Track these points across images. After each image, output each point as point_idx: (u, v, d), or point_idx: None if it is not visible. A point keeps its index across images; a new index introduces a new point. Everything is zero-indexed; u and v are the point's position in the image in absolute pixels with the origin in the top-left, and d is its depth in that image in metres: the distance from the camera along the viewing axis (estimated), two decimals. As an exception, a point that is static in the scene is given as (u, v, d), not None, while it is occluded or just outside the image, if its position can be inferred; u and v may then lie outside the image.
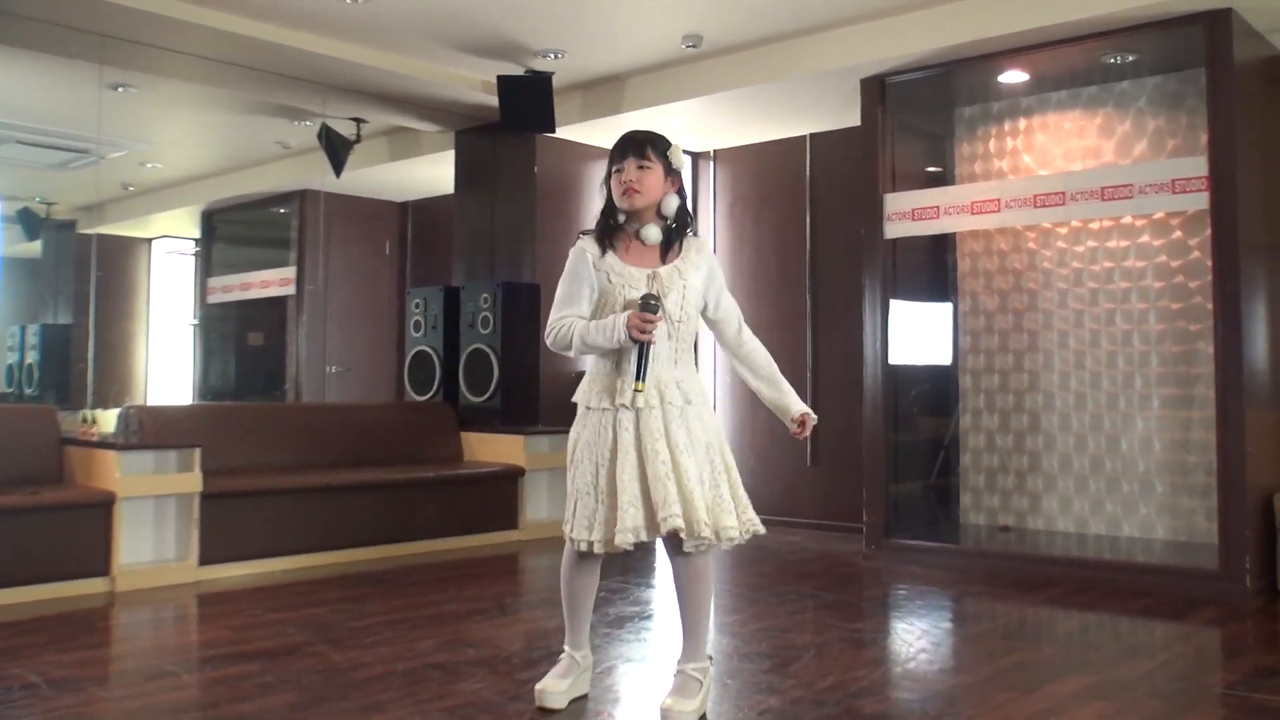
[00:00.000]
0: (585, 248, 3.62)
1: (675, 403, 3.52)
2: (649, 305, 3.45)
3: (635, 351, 3.47)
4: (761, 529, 3.58)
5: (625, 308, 3.52)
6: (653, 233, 3.60)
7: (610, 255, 3.60)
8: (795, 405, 3.71)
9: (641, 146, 3.58)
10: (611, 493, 3.49)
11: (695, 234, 3.73)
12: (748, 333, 3.81)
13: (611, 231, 3.63)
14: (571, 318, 3.60)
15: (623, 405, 3.50)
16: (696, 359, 3.75)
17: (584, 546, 3.53)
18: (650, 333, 3.45)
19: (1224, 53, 5.73)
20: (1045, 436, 7.12)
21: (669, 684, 3.66)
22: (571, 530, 3.57)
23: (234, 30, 6.53)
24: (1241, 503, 5.64)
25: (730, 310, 3.76)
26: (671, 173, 3.62)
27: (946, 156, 7.61)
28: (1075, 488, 7.00)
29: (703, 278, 3.63)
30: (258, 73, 7.36)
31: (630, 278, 3.55)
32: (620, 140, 3.65)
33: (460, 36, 6.93)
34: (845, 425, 7.87)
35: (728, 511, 3.49)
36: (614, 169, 3.60)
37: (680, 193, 3.66)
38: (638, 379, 3.45)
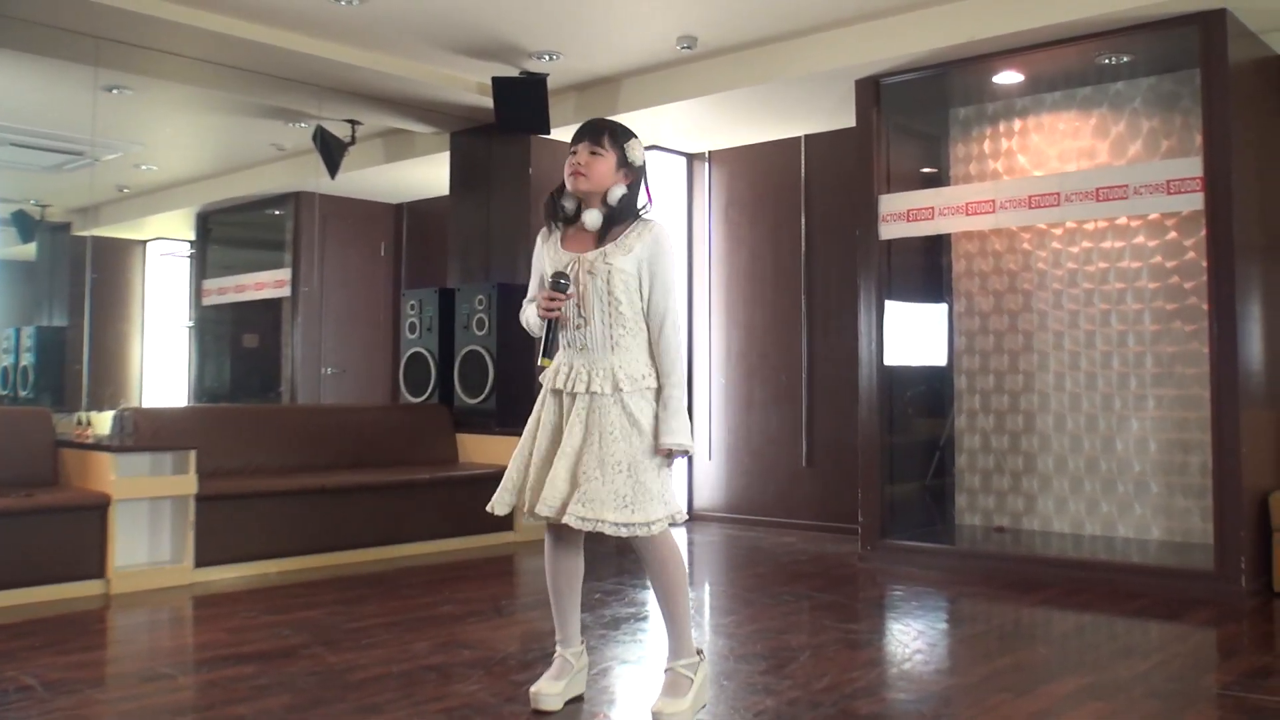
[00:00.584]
0: (541, 234, 3.77)
1: (601, 391, 3.52)
2: (557, 284, 3.55)
3: (543, 329, 3.59)
4: (647, 531, 3.46)
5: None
6: (591, 217, 3.62)
7: (553, 239, 3.71)
8: (664, 436, 3.52)
9: (599, 134, 3.64)
10: (535, 466, 3.58)
11: (647, 217, 3.68)
12: (668, 335, 3.59)
13: (557, 214, 3.74)
14: (528, 302, 3.82)
15: (556, 389, 3.60)
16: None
17: (500, 510, 3.65)
18: (557, 310, 3.54)
19: (1219, 53, 5.74)
20: (1040, 437, 7.13)
21: (658, 685, 3.66)
22: (498, 493, 3.68)
23: (228, 32, 6.53)
24: (1237, 503, 5.64)
25: (657, 305, 3.58)
26: (625, 164, 3.64)
27: (941, 157, 7.62)
28: (1070, 488, 7.00)
29: (633, 262, 3.56)
30: (252, 75, 7.36)
31: (559, 262, 3.63)
32: (582, 125, 3.70)
33: (455, 38, 6.93)
34: (840, 426, 7.89)
35: (618, 505, 3.45)
36: (570, 150, 3.66)
37: (632, 186, 3.67)
38: (543, 355, 3.55)
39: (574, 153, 3.63)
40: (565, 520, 3.46)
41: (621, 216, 3.64)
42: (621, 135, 3.66)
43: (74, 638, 4.80)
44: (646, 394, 3.57)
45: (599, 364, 3.55)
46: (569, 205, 3.72)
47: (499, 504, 3.67)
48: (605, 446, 3.48)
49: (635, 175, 3.68)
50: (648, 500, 3.48)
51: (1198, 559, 6.07)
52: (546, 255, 3.70)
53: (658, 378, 3.59)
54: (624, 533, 3.46)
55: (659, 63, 7.44)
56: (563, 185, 3.71)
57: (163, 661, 4.45)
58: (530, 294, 3.82)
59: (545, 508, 3.48)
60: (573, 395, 3.57)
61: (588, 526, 3.45)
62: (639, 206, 3.69)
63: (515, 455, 3.69)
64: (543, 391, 3.69)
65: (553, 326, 3.58)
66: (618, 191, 3.63)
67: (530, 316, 3.77)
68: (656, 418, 3.56)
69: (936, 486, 7.57)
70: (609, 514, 3.43)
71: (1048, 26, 6.01)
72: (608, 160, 3.61)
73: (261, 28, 6.67)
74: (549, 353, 3.57)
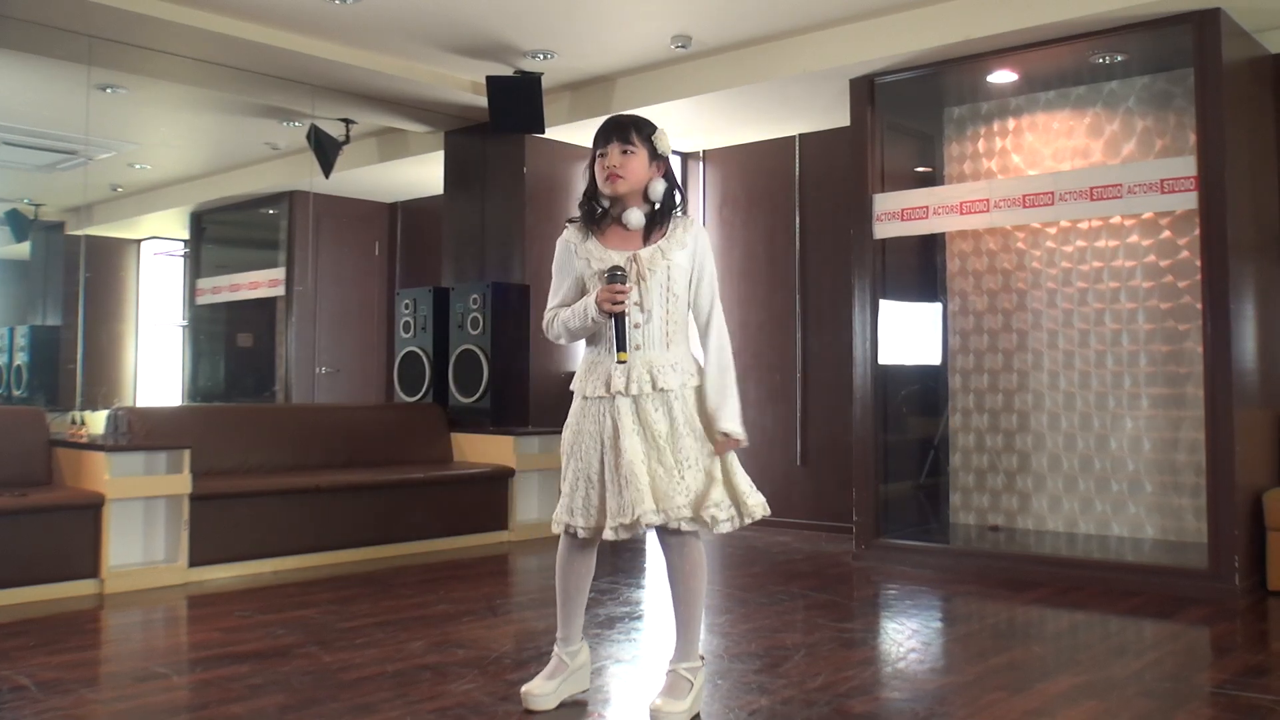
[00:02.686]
0: (568, 237, 3.65)
1: (669, 387, 3.50)
2: (615, 276, 3.46)
3: (611, 326, 3.48)
4: (764, 510, 3.54)
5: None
6: (635, 216, 3.58)
7: (591, 240, 3.61)
8: (722, 422, 3.54)
9: (626, 131, 3.57)
10: (607, 480, 3.49)
11: (685, 214, 3.67)
12: (716, 327, 3.63)
13: (596, 216, 3.63)
14: (558, 308, 3.65)
15: (619, 393, 3.50)
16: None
17: (582, 533, 3.56)
18: (621, 303, 3.45)
19: (1212, 52, 5.74)
20: (1034, 436, 7.14)
21: (660, 684, 3.66)
22: (568, 515, 3.58)
23: (222, 31, 6.52)
24: (1230, 502, 5.65)
25: (706, 297, 3.63)
26: (657, 158, 3.60)
27: (935, 156, 7.63)
28: (1065, 487, 7.01)
29: (689, 256, 3.57)
30: (246, 74, 7.35)
31: (609, 261, 3.53)
32: (604, 124, 3.63)
33: (449, 37, 6.93)
34: (835, 425, 7.90)
35: (703, 499, 3.47)
36: (598, 153, 3.59)
37: (668, 176, 3.63)
38: (619, 349, 3.45)
39: (604, 154, 3.56)
40: (670, 524, 3.44)
41: (666, 212, 3.61)
42: (648, 128, 3.60)
43: (68, 637, 4.79)
44: (696, 391, 3.57)
45: (657, 362, 3.52)
46: (610, 207, 3.62)
47: (576, 528, 3.57)
48: (682, 443, 3.49)
49: (666, 166, 3.64)
50: (739, 487, 3.53)
51: (1192, 558, 6.08)
52: (591, 257, 3.58)
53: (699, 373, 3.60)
54: (726, 528, 3.49)
55: (653, 62, 7.44)
56: (591, 187, 3.63)
57: (157, 661, 4.44)
58: (558, 300, 3.67)
59: (653, 515, 3.40)
60: (634, 397, 3.50)
61: (703, 522, 3.46)
62: (676, 202, 3.65)
63: (575, 473, 3.57)
64: (582, 401, 3.60)
65: (620, 321, 3.45)
66: (659, 186, 3.59)
67: (568, 321, 3.59)
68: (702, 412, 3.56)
69: (931, 485, 7.57)
70: (713, 509, 3.46)
71: (1042, 26, 6.01)
72: (640, 156, 3.56)
73: (255, 26, 6.67)
74: (624, 345, 3.45)
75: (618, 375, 3.50)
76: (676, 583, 3.64)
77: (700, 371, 3.59)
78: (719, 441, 3.55)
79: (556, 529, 3.64)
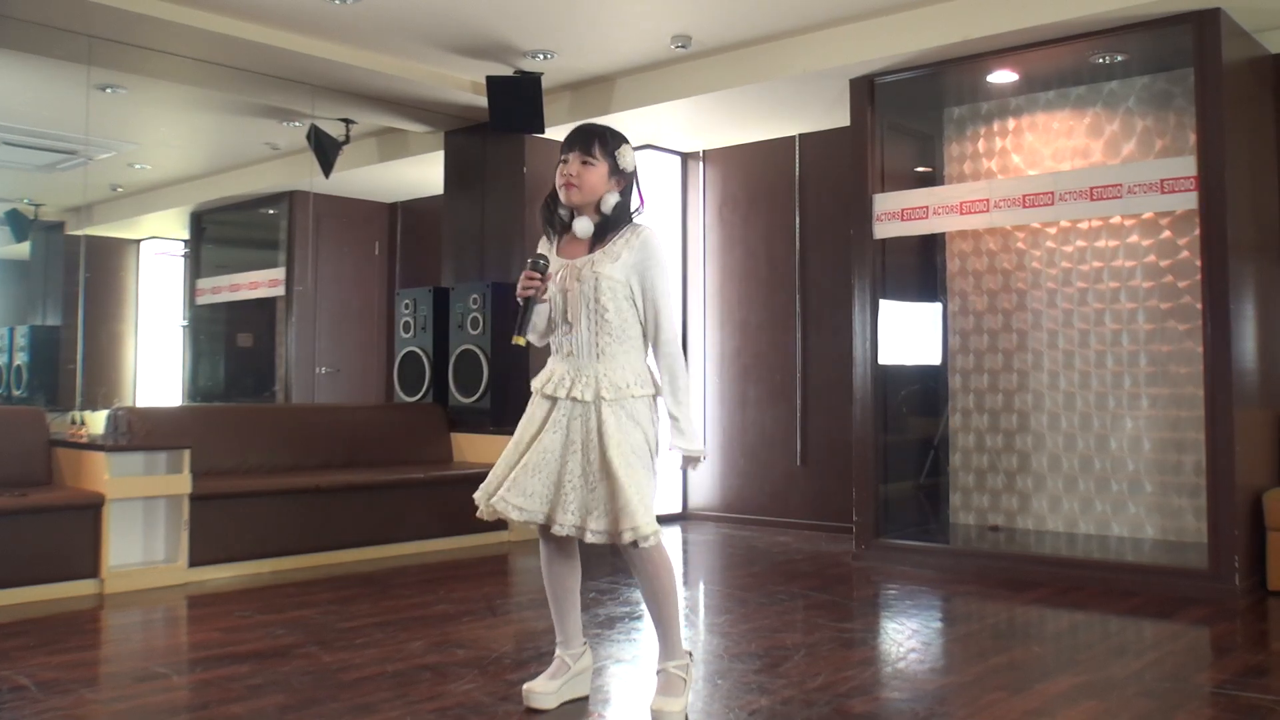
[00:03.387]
0: (543, 240, 3.73)
1: (582, 398, 3.50)
2: (535, 265, 3.52)
3: (520, 310, 3.54)
4: (634, 541, 3.38)
5: (553, 296, 3.60)
6: (582, 225, 3.61)
7: (553, 246, 3.69)
8: (676, 439, 3.55)
9: (589, 142, 3.58)
10: (515, 466, 3.57)
11: (637, 222, 3.65)
12: (664, 340, 3.58)
13: (554, 221, 3.70)
14: None
15: (544, 394, 3.58)
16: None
17: (481, 509, 3.63)
18: (532, 289, 3.50)
19: (1212, 52, 5.74)
20: (1034, 436, 7.14)
21: (654, 685, 3.66)
22: (479, 492, 3.66)
23: (222, 31, 6.52)
24: (1230, 502, 5.65)
25: (653, 313, 3.57)
26: (617, 172, 3.61)
27: (935, 156, 7.63)
28: (1064, 487, 7.01)
29: (622, 269, 3.54)
30: (246, 74, 7.35)
31: (553, 268, 3.61)
32: (571, 131, 3.65)
33: (449, 37, 6.93)
34: (835, 425, 7.90)
35: (599, 513, 3.45)
36: (560, 159, 3.62)
37: (625, 192, 3.64)
38: (517, 332, 3.54)
39: (565, 161, 3.59)
40: (554, 529, 3.48)
41: (615, 224, 3.62)
42: (612, 142, 3.61)
43: (68, 637, 4.79)
44: (635, 402, 3.52)
45: (585, 371, 3.54)
46: (564, 214, 3.67)
47: (477, 499, 3.67)
48: (588, 454, 3.48)
49: (627, 181, 3.65)
50: (633, 509, 3.38)
51: (1192, 558, 6.08)
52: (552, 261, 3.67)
53: (654, 385, 3.59)
54: (604, 539, 3.45)
55: (653, 62, 7.44)
56: (553, 193, 3.67)
57: (157, 661, 4.44)
58: None
59: (511, 509, 3.49)
60: (554, 400, 3.56)
61: (573, 534, 3.47)
62: (632, 211, 3.66)
63: (503, 456, 3.65)
64: (532, 396, 3.67)
65: (528, 305, 3.53)
66: (611, 200, 3.60)
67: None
68: (651, 424, 3.56)
69: (931, 485, 7.57)
70: (591, 522, 3.44)
71: (1042, 26, 6.01)
72: (599, 169, 3.57)
73: (255, 26, 6.66)
74: (521, 330, 3.55)
75: (543, 377, 3.61)
76: (641, 586, 3.63)
77: (640, 385, 3.55)
78: (686, 459, 3.59)
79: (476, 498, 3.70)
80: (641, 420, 3.53)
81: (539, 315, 3.62)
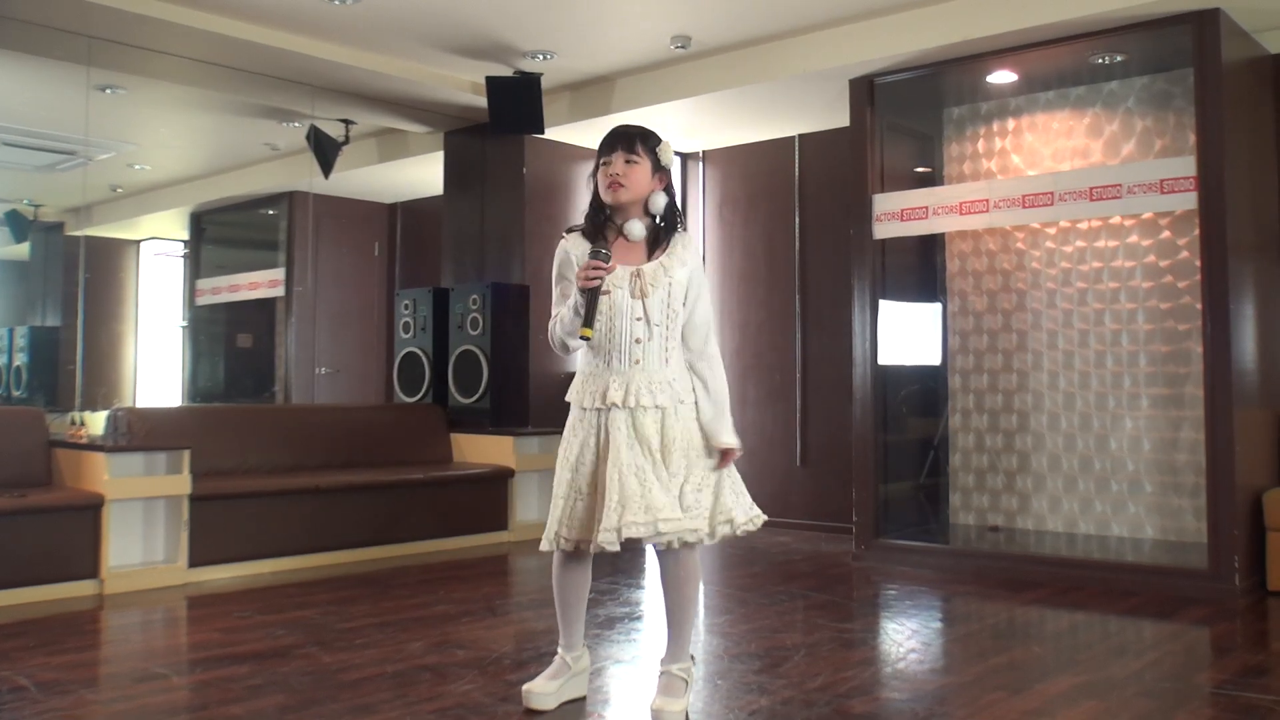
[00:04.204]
0: (569, 247, 3.60)
1: (664, 405, 3.50)
2: (597, 254, 3.45)
3: (583, 304, 3.45)
4: (753, 526, 3.63)
5: (607, 305, 3.51)
6: (636, 228, 3.57)
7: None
8: (724, 437, 3.60)
9: (631, 141, 3.56)
10: (593, 492, 3.50)
11: (684, 230, 3.69)
12: (714, 347, 3.68)
13: (599, 227, 3.61)
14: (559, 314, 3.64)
15: (614, 405, 3.48)
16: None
17: (565, 545, 3.55)
18: (596, 280, 3.43)
19: (1212, 53, 5.74)
20: (1034, 436, 7.13)
21: (654, 685, 3.66)
22: (557, 527, 3.56)
23: (222, 32, 6.52)
24: (1230, 502, 5.65)
25: (703, 317, 3.64)
26: (659, 169, 3.60)
27: (935, 157, 7.63)
28: (1064, 487, 7.01)
29: (688, 274, 3.58)
30: (246, 74, 7.35)
31: (615, 276, 3.51)
32: (609, 134, 3.62)
33: (449, 37, 6.93)
34: (835, 426, 7.90)
35: (698, 515, 3.50)
36: (601, 162, 3.59)
37: (668, 190, 3.63)
38: (585, 325, 3.45)
39: (607, 163, 3.56)
40: (656, 540, 3.47)
41: (671, 226, 3.62)
42: (652, 139, 3.60)
43: (67, 638, 4.79)
44: (694, 407, 3.59)
45: (655, 378, 3.51)
46: (612, 216, 3.61)
47: (562, 540, 3.55)
48: (671, 459, 3.49)
49: (667, 178, 3.64)
50: (726, 503, 3.59)
51: (1192, 558, 6.08)
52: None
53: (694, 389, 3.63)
54: (707, 540, 3.55)
55: (653, 62, 7.44)
56: (597, 198, 3.62)
57: (157, 662, 4.44)
58: (556, 311, 3.63)
59: (635, 528, 3.38)
60: (629, 410, 3.49)
61: (680, 539, 3.49)
62: (678, 216, 3.66)
63: (565, 486, 3.57)
64: (579, 412, 3.59)
65: (594, 296, 3.44)
66: (660, 200, 3.59)
67: (563, 318, 3.56)
68: (702, 427, 3.60)
69: (930, 486, 7.57)
70: (699, 523, 3.52)
71: (1041, 26, 6.01)
72: (643, 167, 3.55)
73: (255, 27, 6.67)
74: (590, 323, 3.44)
75: (615, 388, 3.49)
76: (670, 589, 3.65)
77: (693, 390, 3.60)
78: (722, 455, 3.61)
79: (546, 546, 3.61)
80: (696, 421, 3.61)
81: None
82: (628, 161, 3.54)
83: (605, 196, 3.57)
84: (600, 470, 3.49)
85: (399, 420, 8.02)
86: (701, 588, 3.70)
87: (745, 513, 3.65)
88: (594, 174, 3.63)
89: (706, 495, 3.56)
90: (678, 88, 7.46)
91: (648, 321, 3.51)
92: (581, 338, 3.48)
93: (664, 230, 3.61)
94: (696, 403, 3.60)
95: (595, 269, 3.43)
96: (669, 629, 3.67)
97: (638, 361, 3.52)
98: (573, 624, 3.76)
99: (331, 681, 4.03)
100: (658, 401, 3.49)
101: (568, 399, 3.65)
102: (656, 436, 3.49)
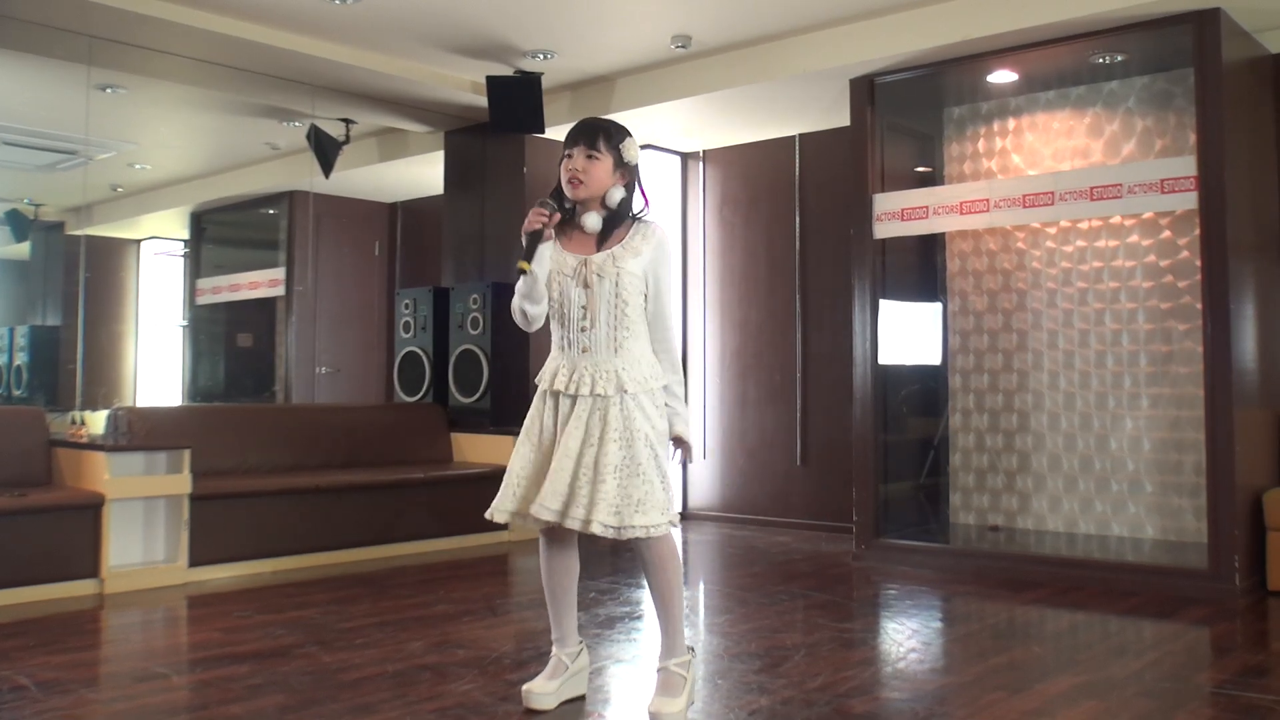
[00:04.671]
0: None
1: (605, 393, 3.51)
2: (544, 204, 3.52)
3: (526, 241, 3.50)
4: (646, 534, 3.46)
5: (559, 292, 3.59)
6: (591, 220, 3.61)
7: (555, 241, 3.64)
8: (678, 427, 3.64)
9: (593, 135, 3.59)
10: (536, 471, 3.58)
11: (646, 219, 3.68)
12: (672, 341, 3.68)
13: (565, 217, 3.65)
14: None
15: (559, 391, 3.57)
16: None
17: (500, 517, 3.59)
18: (539, 225, 3.48)
19: (1212, 52, 5.74)
20: (1034, 436, 7.13)
21: (653, 684, 3.66)
22: (498, 501, 3.62)
23: (222, 31, 6.52)
24: (1230, 502, 5.65)
25: (662, 310, 3.64)
26: (622, 165, 3.62)
27: (935, 156, 7.63)
28: (1064, 487, 7.01)
29: (640, 264, 3.58)
30: (246, 74, 7.35)
31: (562, 263, 3.60)
32: (575, 126, 3.66)
33: (449, 37, 6.93)
34: (835, 425, 7.90)
35: (608, 508, 3.43)
36: (564, 154, 3.62)
37: (629, 186, 3.65)
38: (524, 258, 3.49)
39: (569, 155, 3.59)
40: (567, 524, 3.47)
41: (621, 218, 3.64)
42: (617, 135, 3.63)
43: (68, 637, 4.79)
44: (653, 395, 3.58)
45: (602, 366, 3.54)
46: (569, 208, 3.66)
47: (498, 511, 3.61)
48: (606, 449, 3.47)
49: (631, 175, 3.66)
50: (650, 503, 3.48)
51: (1192, 558, 6.08)
52: (547, 256, 3.62)
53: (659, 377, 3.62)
54: (624, 535, 3.46)
55: (653, 62, 7.44)
56: (558, 187, 3.65)
57: (157, 661, 4.44)
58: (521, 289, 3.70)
59: (545, 511, 3.46)
60: (573, 398, 3.55)
61: (589, 529, 3.44)
62: (638, 209, 3.68)
63: (514, 460, 3.65)
64: (538, 394, 3.67)
65: (534, 239, 3.49)
66: (616, 194, 3.62)
67: (519, 288, 3.63)
68: (662, 415, 3.59)
69: (931, 485, 7.57)
70: (609, 517, 3.43)
71: (1042, 26, 6.01)
72: (604, 163, 3.58)
73: (255, 26, 6.67)
74: (529, 258, 3.49)
75: (562, 374, 3.58)
76: (648, 579, 3.65)
77: (654, 379, 3.59)
78: (676, 446, 3.66)
79: (490, 515, 3.65)
80: (658, 410, 3.60)
81: (541, 272, 3.58)
82: (589, 157, 3.57)
83: (566, 191, 3.61)
84: (539, 452, 3.59)
85: (399, 420, 8.02)
86: (680, 576, 3.65)
87: (650, 516, 3.47)
88: (559, 163, 3.66)
89: (614, 485, 3.46)
90: (678, 87, 7.46)
91: (589, 311, 3.56)
92: (519, 270, 3.51)
93: (613, 220, 3.62)
94: (654, 393, 3.58)
95: (538, 215, 3.50)
96: (659, 622, 3.67)
97: (585, 350, 3.57)
98: (563, 614, 3.76)
99: (331, 681, 4.03)
100: (596, 390, 3.52)
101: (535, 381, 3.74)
102: (592, 425, 3.51)
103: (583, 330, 3.57)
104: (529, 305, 3.62)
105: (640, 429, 3.51)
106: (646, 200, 3.73)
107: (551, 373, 3.62)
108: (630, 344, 3.58)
